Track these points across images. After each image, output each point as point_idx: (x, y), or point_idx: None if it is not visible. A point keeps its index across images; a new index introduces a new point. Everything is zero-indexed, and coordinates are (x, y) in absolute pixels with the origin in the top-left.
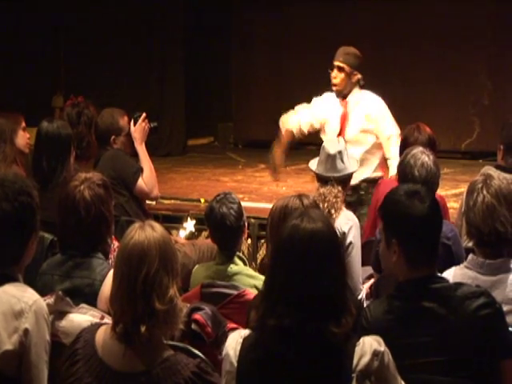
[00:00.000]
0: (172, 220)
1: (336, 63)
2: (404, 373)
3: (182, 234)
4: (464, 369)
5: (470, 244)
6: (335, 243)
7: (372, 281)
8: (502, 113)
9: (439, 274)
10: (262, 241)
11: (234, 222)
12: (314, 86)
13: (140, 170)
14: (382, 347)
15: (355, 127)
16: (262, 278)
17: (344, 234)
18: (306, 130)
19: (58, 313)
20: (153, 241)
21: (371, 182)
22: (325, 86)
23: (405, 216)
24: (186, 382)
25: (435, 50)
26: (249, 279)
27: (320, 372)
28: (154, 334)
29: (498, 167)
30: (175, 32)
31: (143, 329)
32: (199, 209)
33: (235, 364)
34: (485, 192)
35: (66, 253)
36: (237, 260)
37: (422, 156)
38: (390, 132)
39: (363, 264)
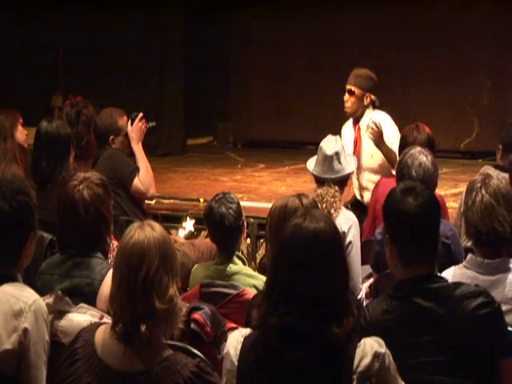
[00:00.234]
0: (171, 220)
1: (347, 87)
2: (403, 373)
3: (182, 233)
4: (463, 368)
5: (469, 244)
6: (338, 243)
7: (371, 280)
8: (501, 113)
9: (438, 274)
10: (262, 240)
11: (232, 221)
12: (313, 86)
13: (136, 170)
14: (383, 349)
15: (368, 153)
16: (262, 277)
17: (344, 233)
18: None
19: (58, 312)
20: (152, 240)
21: None
22: (325, 85)
23: (396, 212)
24: (186, 382)
25: (435, 50)
26: (248, 279)
27: (320, 372)
28: (154, 333)
29: (496, 167)
30: (175, 32)
31: (143, 328)
32: (198, 208)
33: (236, 363)
34: (483, 191)
35: (65, 252)
36: (236, 260)
37: (420, 156)
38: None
39: (362, 263)
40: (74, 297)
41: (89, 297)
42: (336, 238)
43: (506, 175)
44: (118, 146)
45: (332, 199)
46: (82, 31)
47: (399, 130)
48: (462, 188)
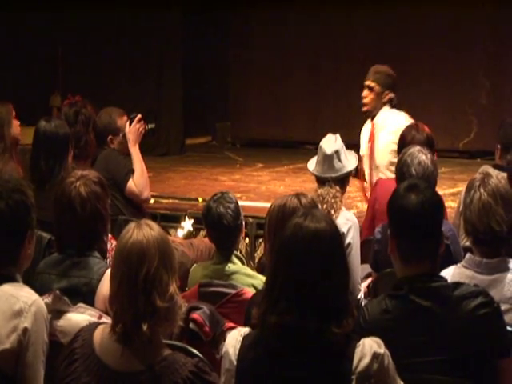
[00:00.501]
0: (170, 219)
1: (366, 83)
2: (402, 372)
3: (180, 233)
4: (462, 368)
5: (468, 243)
6: (338, 243)
7: (370, 280)
8: (499, 112)
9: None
10: (260, 240)
11: (231, 221)
12: (312, 86)
13: (131, 172)
14: (382, 349)
15: (381, 150)
16: (260, 277)
17: (343, 234)
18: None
19: (56, 312)
20: (151, 239)
21: None
22: (324, 86)
23: (397, 208)
24: (184, 382)
25: (434, 50)
26: (247, 278)
27: (319, 372)
28: (155, 332)
29: (495, 166)
30: (173, 32)
31: (145, 327)
32: (197, 208)
33: (235, 362)
34: (482, 190)
35: (63, 252)
36: (234, 259)
37: (419, 155)
38: None
39: (361, 263)
40: (73, 296)
41: (87, 296)
42: (337, 237)
43: (505, 175)
44: (116, 146)
45: (333, 200)
46: (81, 31)
47: None
48: (461, 187)
